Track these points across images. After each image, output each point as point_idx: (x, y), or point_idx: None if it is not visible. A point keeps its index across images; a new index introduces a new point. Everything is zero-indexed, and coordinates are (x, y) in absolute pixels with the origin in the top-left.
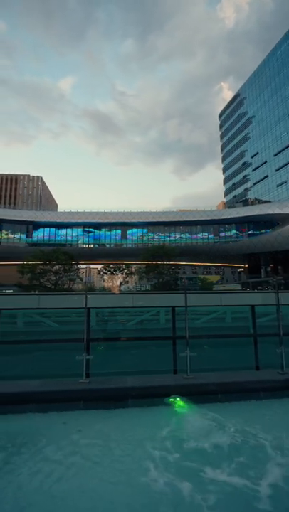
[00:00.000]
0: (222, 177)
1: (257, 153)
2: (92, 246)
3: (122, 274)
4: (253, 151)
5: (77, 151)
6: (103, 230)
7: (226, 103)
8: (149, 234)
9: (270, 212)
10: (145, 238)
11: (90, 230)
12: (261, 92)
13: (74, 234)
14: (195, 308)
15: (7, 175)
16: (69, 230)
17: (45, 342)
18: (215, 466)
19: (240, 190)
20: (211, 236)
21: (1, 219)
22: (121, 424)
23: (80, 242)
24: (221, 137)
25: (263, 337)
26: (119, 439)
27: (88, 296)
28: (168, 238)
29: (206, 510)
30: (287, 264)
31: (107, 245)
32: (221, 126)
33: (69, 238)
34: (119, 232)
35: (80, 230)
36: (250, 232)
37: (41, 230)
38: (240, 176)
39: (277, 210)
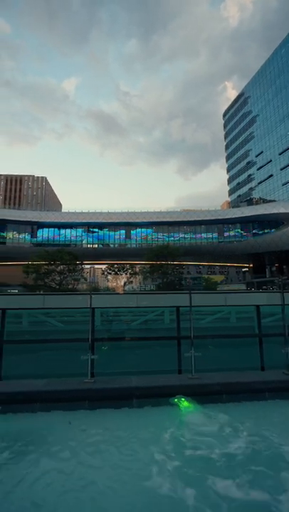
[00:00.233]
0: (226, 176)
1: (261, 152)
2: (96, 246)
3: (126, 274)
4: (257, 150)
5: (81, 152)
6: (107, 230)
7: (229, 102)
8: (153, 234)
9: (274, 211)
10: (149, 238)
11: (94, 230)
12: (266, 90)
13: (78, 234)
14: (199, 308)
15: (12, 175)
16: (73, 230)
17: (51, 342)
18: (220, 467)
19: (244, 189)
20: (215, 236)
21: (6, 219)
22: (126, 424)
23: (84, 242)
24: (225, 136)
25: (268, 337)
26: (124, 439)
27: (93, 296)
28: (172, 238)
29: None
30: None
31: (111, 245)
32: (225, 126)
33: (73, 238)
34: (123, 232)
35: (84, 230)
36: (254, 231)
37: (46, 230)
38: (244, 176)
39: (282, 210)
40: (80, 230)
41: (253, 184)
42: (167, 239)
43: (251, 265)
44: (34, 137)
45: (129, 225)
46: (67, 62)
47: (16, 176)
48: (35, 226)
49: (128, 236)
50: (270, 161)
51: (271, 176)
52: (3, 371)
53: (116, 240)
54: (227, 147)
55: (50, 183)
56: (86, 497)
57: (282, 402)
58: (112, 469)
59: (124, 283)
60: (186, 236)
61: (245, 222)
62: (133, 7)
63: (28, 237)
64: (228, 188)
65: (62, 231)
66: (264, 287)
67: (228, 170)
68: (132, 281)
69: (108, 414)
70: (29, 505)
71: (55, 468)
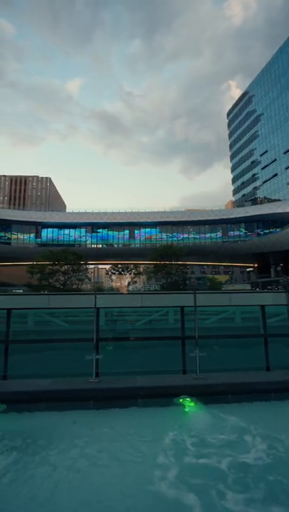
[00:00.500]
0: (230, 176)
1: (266, 151)
2: (100, 246)
3: (130, 274)
4: (261, 149)
5: (85, 152)
6: (111, 230)
7: (234, 101)
8: (157, 234)
9: (279, 211)
10: (153, 238)
11: (98, 230)
12: (270, 89)
13: (82, 234)
14: (204, 308)
15: (16, 176)
16: (77, 231)
17: (55, 341)
18: (227, 470)
19: (249, 189)
20: (219, 235)
21: (11, 220)
22: (131, 424)
23: (88, 242)
24: (229, 136)
25: (273, 337)
26: (129, 439)
27: (97, 296)
28: (176, 238)
29: None
30: None
31: (115, 245)
32: (229, 125)
33: (77, 238)
34: (127, 232)
35: (88, 230)
36: (259, 231)
37: (50, 230)
38: (248, 175)
39: (287, 209)
40: (84, 230)
41: (257, 183)
42: (171, 239)
43: (256, 265)
44: (38, 138)
45: (133, 225)
46: (71, 63)
47: (21, 177)
48: (39, 226)
49: (132, 236)
50: (275, 160)
51: (276, 175)
52: (8, 370)
53: (120, 239)
54: (231, 146)
55: (55, 183)
56: (90, 497)
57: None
58: (116, 469)
59: (128, 283)
60: (190, 236)
61: (249, 221)
62: (136, 7)
63: (32, 237)
64: (232, 187)
65: (67, 231)
66: (269, 287)
67: (233, 169)
68: (136, 282)
69: (113, 414)
70: (33, 505)
71: (59, 467)
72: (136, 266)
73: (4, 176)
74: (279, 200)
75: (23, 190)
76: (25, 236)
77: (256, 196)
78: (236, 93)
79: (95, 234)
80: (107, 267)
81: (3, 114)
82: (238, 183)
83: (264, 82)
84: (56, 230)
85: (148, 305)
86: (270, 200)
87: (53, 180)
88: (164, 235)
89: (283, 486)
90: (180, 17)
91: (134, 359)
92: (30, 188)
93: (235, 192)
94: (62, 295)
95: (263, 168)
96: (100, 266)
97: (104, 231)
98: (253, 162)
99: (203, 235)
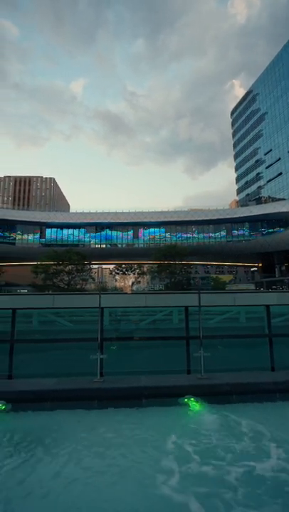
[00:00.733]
0: (234, 175)
1: (270, 150)
2: (104, 246)
3: (134, 274)
4: (266, 148)
5: (89, 152)
6: (115, 230)
7: (237, 100)
8: (161, 233)
9: (284, 210)
10: (157, 238)
11: (102, 230)
12: (274, 87)
13: (86, 234)
14: (208, 308)
15: (20, 177)
16: (81, 231)
17: (60, 341)
18: (232, 471)
19: (253, 188)
20: (223, 235)
21: (16, 220)
22: (135, 424)
23: (92, 242)
24: (233, 135)
25: (278, 337)
26: (133, 439)
27: (102, 295)
28: (180, 238)
29: None
30: None
31: (119, 245)
32: (232, 124)
33: (81, 238)
34: (130, 232)
35: (92, 230)
36: (263, 230)
37: (54, 230)
38: (253, 174)
39: None
40: (88, 230)
41: (261, 183)
42: (175, 238)
43: (260, 265)
44: (42, 139)
45: (136, 225)
46: (75, 64)
47: (25, 177)
48: (43, 226)
49: (136, 236)
50: (279, 159)
51: (280, 174)
52: (14, 370)
53: (124, 239)
54: (235, 146)
55: (58, 183)
56: (94, 497)
57: None
58: (120, 470)
59: (132, 283)
60: (193, 235)
61: (253, 221)
62: (139, 6)
63: (36, 237)
64: (236, 187)
65: (71, 231)
66: (273, 287)
67: (236, 169)
68: (139, 281)
69: (117, 414)
70: (36, 503)
71: (63, 467)
72: (140, 266)
73: (9, 176)
74: (283, 199)
75: (27, 191)
76: (30, 236)
77: (260, 195)
78: (240, 92)
79: (98, 234)
80: (111, 266)
81: (7, 115)
82: (242, 182)
83: (268, 80)
84: (60, 230)
85: (152, 305)
86: (274, 200)
87: (56, 181)
88: (167, 235)
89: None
90: (183, 16)
91: (139, 359)
92: (35, 189)
93: (239, 191)
94: (66, 295)
95: (267, 167)
96: (104, 266)
97: (108, 231)
98: (257, 161)
99: (207, 235)
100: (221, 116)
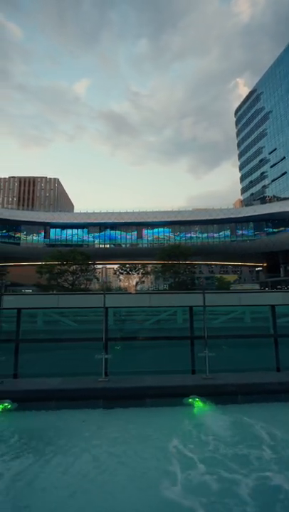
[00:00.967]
0: (238, 175)
1: (275, 149)
2: (108, 246)
3: (138, 273)
4: (270, 147)
5: (93, 152)
6: (119, 230)
7: (241, 99)
8: (165, 233)
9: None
10: (161, 238)
11: (106, 230)
12: (279, 86)
13: (90, 234)
14: (212, 308)
15: (25, 177)
16: (85, 231)
17: (65, 341)
18: (238, 471)
19: (257, 187)
20: (227, 235)
21: (20, 221)
22: (139, 423)
23: (96, 242)
24: (237, 134)
25: (283, 338)
26: (137, 438)
27: (106, 295)
28: (184, 237)
29: None
30: None
31: (123, 245)
32: (237, 123)
33: (85, 238)
34: (134, 232)
35: (96, 231)
36: (268, 230)
37: (58, 230)
38: (257, 173)
39: None
40: (92, 230)
41: (266, 182)
42: (179, 238)
43: (265, 264)
44: (46, 139)
45: (140, 225)
46: (78, 64)
47: (29, 178)
48: (48, 227)
49: (139, 236)
50: (284, 158)
51: (285, 173)
52: (19, 369)
53: (127, 239)
54: (239, 145)
55: (62, 184)
56: (97, 496)
57: None
58: (124, 470)
59: (136, 283)
60: (198, 235)
61: (258, 220)
62: (143, 7)
63: (41, 237)
64: (240, 186)
65: (75, 231)
66: (278, 287)
67: (241, 168)
68: (143, 281)
69: (122, 413)
70: (41, 501)
71: (68, 465)
72: (144, 266)
73: (13, 177)
74: (288, 198)
75: (31, 191)
76: (34, 236)
77: (265, 195)
78: (244, 91)
79: (102, 234)
80: (115, 266)
81: (11, 116)
82: (247, 181)
83: (272, 79)
84: (64, 230)
85: (156, 305)
86: (279, 199)
87: (60, 181)
88: (171, 235)
89: None
90: (187, 16)
91: (143, 359)
92: (39, 189)
93: (243, 191)
94: (71, 295)
95: (271, 167)
96: (108, 266)
97: (112, 231)
98: (261, 160)
99: (211, 235)
100: (224, 116)
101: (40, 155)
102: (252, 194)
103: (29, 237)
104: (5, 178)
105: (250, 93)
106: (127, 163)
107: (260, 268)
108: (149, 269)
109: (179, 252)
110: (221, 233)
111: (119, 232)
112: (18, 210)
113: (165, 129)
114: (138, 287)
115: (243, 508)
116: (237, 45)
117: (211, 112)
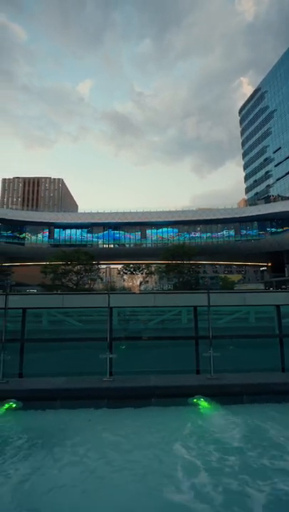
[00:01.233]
0: (242, 174)
1: (279, 148)
2: (112, 246)
3: (142, 273)
4: (275, 146)
5: (96, 153)
6: (123, 230)
7: (246, 98)
8: (169, 233)
9: None
10: (165, 238)
11: (110, 230)
12: (283, 84)
13: (94, 234)
14: (217, 308)
15: (29, 178)
16: (89, 231)
17: (70, 340)
18: (244, 472)
19: (262, 186)
20: (232, 234)
21: (25, 221)
22: (145, 423)
23: (100, 242)
24: (242, 133)
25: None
26: (142, 438)
27: (110, 295)
28: (188, 237)
29: None
30: None
31: (127, 245)
32: (241, 122)
33: (89, 238)
34: (138, 232)
35: (100, 231)
36: (272, 229)
37: (62, 231)
38: (262, 172)
39: None
40: (96, 231)
41: (270, 181)
42: (183, 238)
43: (270, 264)
44: (50, 140)
45: (144, 225)
46: (82, 65)
47: (34, 178)
48: (52, 227)
49: (143, 236)
50: None
51: None
52: (24, 369)
53: (131, 239)
54: (243, 144)
55: (67, 184)
56: (101, 496)
57: None
58: (129, 469)
59: (140, 283)
60: (202, 235)
61: (262, 220)
62: (146, 7)
63: (45, 237)
64: (244, 185)
65: (79, 231)
66: (283, 286)
67: (245, 167)
68: (147, 281)
69: (127, 413)
70: (45, 500)
71: (73, 465)
72: (148, 265)
73: (18, 177)
74: None
75: (36, 192)
76: (39, 237)
77: (269, 194)
78: (248, 90)
79: (106, 234)
80: (119, 266)
81: (16, 117)
82: (251, 181)
83: (277, 77)
84: (68, 231)
85: (161, 305)
86: (283, 198)
87: (64, 181)
88: (175, 235)
89: None
90: (190, 15)
91: (148, 358)
92: (43, 189)
93: (247, 190)
94: (75, 295)
95: (276, 166)
96: (112, 266)
97: (116, 231)
98: (266, 159)
99: (216, 234)
100: (229, 115)
101: (44, 156)
102: (256, 193)
103: (33, 238)
104: (9, 179)
105: (255, 92)
106: (130, 164)
107: (265, 268)
108: (153, 269)
109: (183, 251)
110: (225, 233)
111: (123, 232)
112: (22, 210)
113: (169, 128)
114: (142, 287)
115: (250, 510)
116: (241, 43)
117: (215, 111)
